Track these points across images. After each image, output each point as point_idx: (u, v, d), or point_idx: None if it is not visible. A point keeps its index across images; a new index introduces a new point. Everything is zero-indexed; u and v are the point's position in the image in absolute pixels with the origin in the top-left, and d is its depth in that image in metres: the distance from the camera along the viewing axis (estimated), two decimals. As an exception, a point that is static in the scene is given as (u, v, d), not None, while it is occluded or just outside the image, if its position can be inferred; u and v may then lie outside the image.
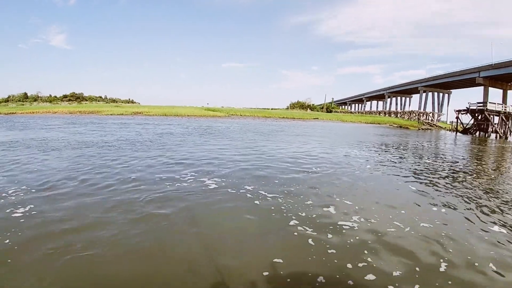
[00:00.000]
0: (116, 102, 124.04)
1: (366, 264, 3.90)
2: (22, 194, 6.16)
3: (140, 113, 52.00)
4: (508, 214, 6.31)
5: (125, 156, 10.93)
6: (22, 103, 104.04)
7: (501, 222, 5.76)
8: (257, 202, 6.14)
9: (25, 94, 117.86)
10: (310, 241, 4.50)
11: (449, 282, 3.59)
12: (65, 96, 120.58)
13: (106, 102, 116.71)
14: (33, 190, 6.41)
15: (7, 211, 5.23)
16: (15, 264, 3.64)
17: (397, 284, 3.49)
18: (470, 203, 6.95)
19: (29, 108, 62.30)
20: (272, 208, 5.80)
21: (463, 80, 65.59)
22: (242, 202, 6.13)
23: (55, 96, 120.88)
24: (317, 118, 60.89)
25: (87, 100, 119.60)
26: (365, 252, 4.22)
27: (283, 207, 5.85)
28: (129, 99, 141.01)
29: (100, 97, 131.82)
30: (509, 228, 5.42)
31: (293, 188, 7.28)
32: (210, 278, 3.50)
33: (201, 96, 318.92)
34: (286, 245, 4.36)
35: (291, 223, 5.13)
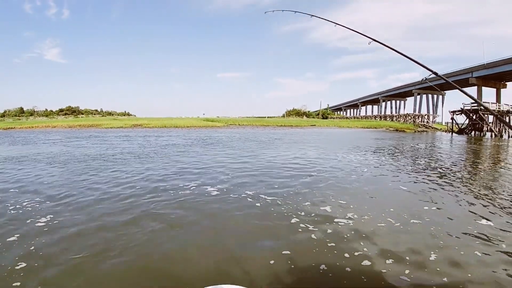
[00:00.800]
0: (112, 115, 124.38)
1: (361, 253, 4.34)
2: (38, 205, 6.59)
3: (139, 125, 52.47)
4: (502, 208, 6.77)
5: (133, 167, 11.37)
6: (18, 117, 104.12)
7: (494, 217, 6.20)
8: (259, 204, 6.61)
9: (21, 108, 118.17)
10: (312, 235, 4.94)
11: (437, 269, 4.02)
12: (61, 110, 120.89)
13: (103, 116, 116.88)
14: (50, 202, 6.81)
15: (31, 221, 5.64)
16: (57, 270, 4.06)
17: (389, 269, 3.92)
18: (462, 200, 7.39)
19: (27, 123, 62.70)
20: (273, 209, 6.26)
21: (457, 81, 66.30)
22: (246, 204, 6.60)
23: (51, 110, 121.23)
24: (314, 125, 61.45)
25: (83, 114, 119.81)
26: (361, 243, 4.65)
27: (283, 208, 6.30)
28: (125, 111, 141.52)
29: (96, 110, 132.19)
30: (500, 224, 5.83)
31: (292, 191, 7.74)
32: (228, 267, 4.00)
33: (196, 107, 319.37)
34: (291, 239, 4.81)
35: (293, 221, 5.59)
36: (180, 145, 20.68)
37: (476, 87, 60.88)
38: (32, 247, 4.56)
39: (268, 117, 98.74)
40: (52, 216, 5.90)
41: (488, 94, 64.36)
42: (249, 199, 7.02)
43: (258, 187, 8.06)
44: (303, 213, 6.00)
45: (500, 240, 4.93)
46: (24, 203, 6.71)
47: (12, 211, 6.17)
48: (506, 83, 62.32)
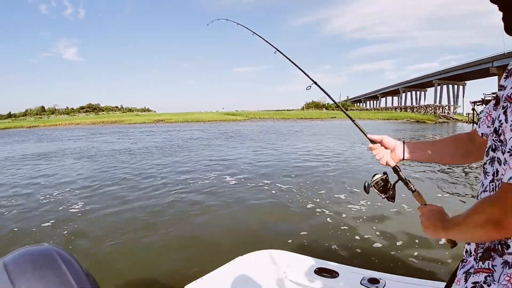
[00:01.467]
0: (133, 111, 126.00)
1: (371, 236, 4.72)
2: (75, 194, 7.34)
3: (161, 120, 53.51)
4: None
5: (163, 159, 12.14)
6: (40, 116, 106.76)
7: None
8: (281, 192, 7.20)
9: (42, 107, 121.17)
10: (328, 219, 5.43)
11: (446, 252, 4.31)
12: (82, 108, 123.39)
13: (123, 112, 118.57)
14: (87, 192, 7.55)
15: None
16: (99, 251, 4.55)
17: (399, 251, 4.29)
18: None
19: (51, 121, 64.48)
20: (291, 195, 6.83)
21: (477, 70, 65.38)
22: (269, 192, 7.17)
23: (72, 108, 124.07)
24: (334, 117, 61.67)
25: (103, 111, 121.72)
26: (373, 227, 5.06)
27: (301, 195, 6.87)
28: (145, 107, 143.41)
29: (116, 106, 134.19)
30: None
31: (314, 179, 8.34)
32: (249, 244, 4.47)
33: (214, 102, 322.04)
34: (308, 222, 5.31)
35: (308, 206, 6.13)
36: (205, 139, 21.46)
37: (496, 76, 60.04)
38: (75, 228, 5.22)
39: (287, 110, 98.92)
40: (89, 202, 6.61)
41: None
42: (271, 187, 7.55)
43: (281, 177, 8.62)
44: (318, 199, 6.53)
45: None
46: (62, 193, 7.47)
47: (51, 200, 6.90)
48: (528, 72, 61.36)
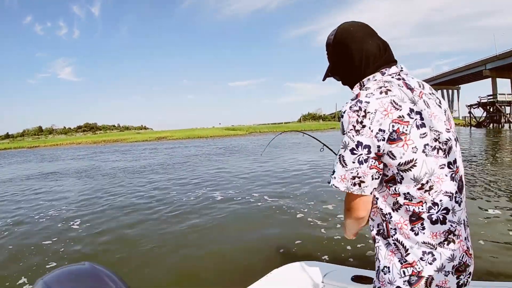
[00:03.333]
0: (129, 129, 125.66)
1: (364, 245, 4.76)
2: (73, 210, 7.52)
3: (163, 138, 53.83)
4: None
5: (172, 176, 12.38)
6: (38, 136, 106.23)
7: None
8: (276, 202, 7.44)
9: (40, 127, 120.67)
10: (320, 230, 5.51)
11: None
12: (79, 127, 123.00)
13: (120, 130, 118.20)
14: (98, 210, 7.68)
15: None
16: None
17: None
18: (477, 190, 8.02)
19: (52, 141, 64.61)
20: (286, 207, 7.01)
21: (471, 74, 66.13)
22: (264, 203, 7.43)
23: (70, 128, 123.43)
24: (333, 128, 62.28)
25: (101, 130, 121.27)
26: (365, 236, 5.02)
27: (295, 206, 7.04)
28: (142, 125, 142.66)
29: (114, 125, 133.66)
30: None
31: (304, 190, 8.58)
32: (251, 252, 4.71)
33: (211, 117, 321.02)
34: (298, 232, 5.44)
35: (298, 216, 6.36)
36: (213, 154, 21.73)
37: (490, 79, 60.66)
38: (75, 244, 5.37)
39: (284, 122, 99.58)
40: (87, 219, 6.84)
41: (504, 84, 63.98)
42: (293, 201, 7.83)
43: (295, 190, 8.92)
44: (306, 210, 6.71)
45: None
46: (60, 210, 7.78)
47: (56, 217, 7.07)
48: (521, 73, 62.08)
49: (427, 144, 1.05)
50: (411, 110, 1.06)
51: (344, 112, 1.10)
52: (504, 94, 55.36)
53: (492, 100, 54.13)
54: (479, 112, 57.86)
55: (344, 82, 1.33)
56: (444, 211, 1.07)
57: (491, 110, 54.14)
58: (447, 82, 73.05)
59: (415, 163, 1.04)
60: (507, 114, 52.87)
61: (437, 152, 1.07)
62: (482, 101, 56.27)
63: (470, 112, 58.29)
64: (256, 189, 8.94)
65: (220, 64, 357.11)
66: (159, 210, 7.22)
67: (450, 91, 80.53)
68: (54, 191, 10.52)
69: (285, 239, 5.11)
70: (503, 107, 53.12)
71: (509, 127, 50.79)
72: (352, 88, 1.26)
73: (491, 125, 53.79)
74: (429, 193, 1.06)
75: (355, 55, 1.19)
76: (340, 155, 1.09)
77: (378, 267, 1.17)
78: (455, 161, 1.11)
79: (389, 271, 1.12)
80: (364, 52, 1.18)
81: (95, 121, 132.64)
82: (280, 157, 17.12)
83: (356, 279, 2.12)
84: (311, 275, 2.27)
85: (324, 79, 1.41)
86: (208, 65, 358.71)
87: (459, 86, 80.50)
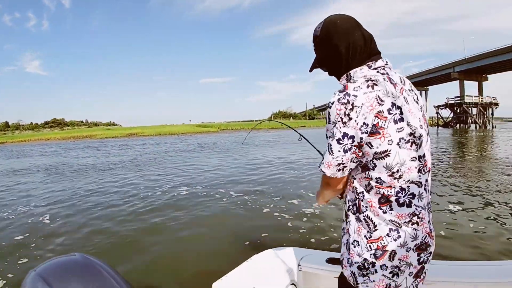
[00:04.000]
0: (98, 125, 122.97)
1: (328, 237, 4.95)
2: (49, 208, 7.37)
3: (134, 134, 52.92)
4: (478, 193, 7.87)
5: (144, 173, 12.34)
6: (4, 132, 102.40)
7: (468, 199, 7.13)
8: (243, 197, 7.56)
9: (6, 123, 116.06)
10: (287, 223, 5.68)
11: None
12: (46, 123, 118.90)
13: (89, 127, 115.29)
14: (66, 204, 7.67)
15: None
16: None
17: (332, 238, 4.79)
18: (443, 186, 8.33)
19: (20, 137, 62.66)
20: (253, 202, 7.13)
21: (439, 76, 67.79)
22: (233, 198, 7.54)
23: (37, 124, 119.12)
24: (304, 126, 62.89)
25: (69, 126, 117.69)
26: (331, 229, 5.29)
27: (262, 201, 7.17)
28: (110, 121, 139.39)
29: (82, 121, 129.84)
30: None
31: (272, 186, 8.72)
32: (222, 244, 4.84)
33: (181, 114, 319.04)
34: (266, 224, 5.62)
35: (265, 210, 6.46)
36: (184, 151, 21.68)
37: (458, 81, 62.37)
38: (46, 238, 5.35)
39: (255, 120, 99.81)
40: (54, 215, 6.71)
41: (471, 86, 66.09)
42: (263, 195, 7.92)
43: (268, 184, 9.06)
44: (272, 205, 6.83)
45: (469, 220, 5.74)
46: (30, 206, 7.62)
47: (22, 215, 6.94)
48: (487, 76, 64.02)
49: (402, 138, 1.13)
50: (393, 104, 1.13)
51: (332, 103, 1.15)
52: (471, 96, 57.23)
53: (459, 101, 55.89)
54: (446, 113, 59.78)
55: (330, 73, 1.38)
56: (411, 196, 1.17)
57: (458, 111, 55.90)
58: (416, 83, 74.55)
59: (388, 153, 1.13)
60: (473, 115, 54.76)
61: (410, 145, 1.16)
62: (449, 102, 58.03)
63: (437, 113, 60.03)
64: (228, 185, 8.99)
65: (192, 61, 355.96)
66: (131, 206, 7.18)
67: (418, 91, 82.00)
68: (23, 189, 10.20)
69: (255, 231, 5.23)
70: (469, 108, 54.99)
71: (475, 127, 52.62)
72: (338, 79, 1.31)
73: (458, 125, 55.57)
74: (397, 180, 1.16)
75: (342, 46, 1.24)
76: (328, 144, 1.18)
77: (348, 240, 1.27)
78: (424, 155, 1.19)
79: (358, 245, 1.22)
80: (351, 44, 1.23)
81: (63, 117, 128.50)
82: (251, 154, 17.34)
83: (330, 260, 2.25)
84: (288, 259, 2.40)
85: (311, 70, 1.47)
86: (180, 61, 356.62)
87: (427, 87, 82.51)
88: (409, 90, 1.24)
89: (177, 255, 4.55)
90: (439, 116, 60.56)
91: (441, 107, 59.64)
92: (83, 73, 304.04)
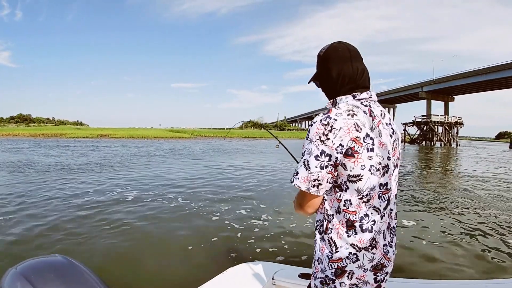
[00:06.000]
0: (65, 124, 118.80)
1: (276, 249, 5.02)
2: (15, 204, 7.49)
3: (106, 135, 51.68)
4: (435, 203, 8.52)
5: (118, 176, 12.46)
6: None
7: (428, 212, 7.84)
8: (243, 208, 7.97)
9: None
10: (263, 235, 5.69)
11: None
12: (12, 118, 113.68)
13: (55, 124, 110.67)
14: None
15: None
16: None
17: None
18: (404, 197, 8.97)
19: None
20: (220, 210, 7.42)
21: (408, 94, 69.90)
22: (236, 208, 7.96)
23: (2, 118, 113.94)
24: (277, 136, 63.39)
25: (35, 122, 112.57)
26: (281, 238, 5.49)
27: (240, 212, 7.22)
28: (78, 120, 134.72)
29: (48, 119, 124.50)
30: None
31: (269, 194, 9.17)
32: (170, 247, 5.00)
33: (151, 117, 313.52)
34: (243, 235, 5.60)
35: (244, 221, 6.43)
36: (160, 156, 21.66)
37: (426, 100, 64.34)
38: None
39: (226, 128, 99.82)
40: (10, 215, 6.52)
41: (437, 106, 68.53)
42: (237, 204, 8.38)
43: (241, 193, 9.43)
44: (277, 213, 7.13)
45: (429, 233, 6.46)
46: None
47: None
48: (454, 96, 66.39)
49: (373, 165, 1.24)
50: (367, 135, 1.23)
51: (314, 123, 1.25)
52: (438, 115, 59.59)
53: (426, 119, 58.12)
54: (413, 130, 61.96)
55: (322, 90, 1.49)
56: (372, 223, 1.27)
57: (425, 128, 58.10)
58: (384, 101, 76.52)
59: (361, 177, 1.23)
60: (439, 133, 56.91)
61: (379, 174, 1.26)
62: (417, 120, 60.27)
63: (405, 130, 62.19)
64: (208, 195, 8.86)
65: (164, 64, 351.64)
66: (102, 211, 7.01)
67: (386, 109, 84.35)
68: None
69: (229, 244, 5.23)
70: (436, 126, 57.22)
71: (440, 145, 54.71)
72: (328, 97, 1.45)
73: (424, 142, 57.64)
74: (365, 204, 1.26)
75: (333, 72, 1.36)
76: (305, 159, 1.25)
77: (314, 257, 1.37)
78: (386, 184, 1.30)
79: (322, 262, 1.32)
80: (341, 72, 1.35)
81: (29, 113, 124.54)
82: (226, 162, 17.60)
83: (302, 275, 2.33)
84: (262, 273, 2.49)
85: (309, 82, 1.55)
86: (152, 63, 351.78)
87: (396, 105, 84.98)
88: (386, 124, 1.34)
89: (149, 265, 4.41)
90: (406, 133, 62.64)
91: (409, 125, 61.80)
92: (53, 68, 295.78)
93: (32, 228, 5.76)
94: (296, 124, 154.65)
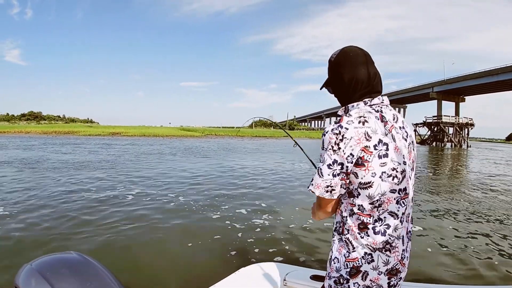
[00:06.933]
0: (75, 121, 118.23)
1: (275, 249, 5.03)
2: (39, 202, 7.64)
3: (117, 133, 52.28)
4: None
5: (140, 172, 12.69)
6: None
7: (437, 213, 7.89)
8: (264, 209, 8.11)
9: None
10: (276, 236, 5.68)
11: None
12: (23, 115, 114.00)
13: (66, 122, 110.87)
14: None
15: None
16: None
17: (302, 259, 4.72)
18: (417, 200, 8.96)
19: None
20: (213, 207, 7.38)
21: (418, 95, 69.45)
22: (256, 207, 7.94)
23: (13, 115, 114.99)
24: (286, 136, 63.44)
25: (45, 120, 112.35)
26: (294, 238, 5.50)
27: (253, 213, 7.14)
28: (88, 118, 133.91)
29: (59, 116, 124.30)
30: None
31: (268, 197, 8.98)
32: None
33: (160, 116, 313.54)
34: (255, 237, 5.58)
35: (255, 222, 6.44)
36: (176, 154, 21.82)
37: (436, 101, 63.94)
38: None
39: (236, 127, 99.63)
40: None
41: (448, 106, 68.02)
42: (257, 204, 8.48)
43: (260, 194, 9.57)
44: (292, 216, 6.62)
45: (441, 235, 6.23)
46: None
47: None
48: (464, 97, 65.85)
49: (385, 172, 1.26)
50: (380, 141, 1.26)
51: (326, 132, 1.29)
52: (449, 116, 59.20)
53: (436, 120, 57.80)
54: (423, 131, 61.64)
55: (335, 95, 1.51)
56: (386, 226, 1.30)
57: (435, 129, 57.81)
58: (395, 101, 76.14)
59: (371, 184, 1.26)
60: (449, 134, 56.58)
61: (392, 179, 1.28)
62: (427, 120, 59.98)
63: (415, 130, 61.79)
64: (221, 197, 8.69)
65: (173, 63, 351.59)
66: (113, 209, 7.05)
67: (397, 109, 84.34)
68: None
69: (242, 243, 5.27)
70: (446, 127, 56.87)
71: (451, 146, 54.42)
72: (340, 103, 1.48)
73: (434, 143, 57.35)
74: (377, 209, 1.29)
75: (346, 77, 1.38)
76: (319, 168, 1.30)
77: (330, 256, 1.42)
78: (405, 189, 1.32)
79: (338, 262, 1.36)
80: (354, 78, 1.36)
81: (40, 110, 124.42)
82: (243, 161, 17.84)
83: (314, 277, 2.37)
84: (274, 274, 2.53)
85: (321, 88, 1.58)
86: (161, 62, 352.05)
87: (406, 105, 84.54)
88: (400, 128, 1.36)
89: (162, 263, 4.47)
90: (416, 133, 62.31)
91: (419, 125, 61.53)
92: (63, 66, 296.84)
93: (48, 225, 5.87)
94: (306, 124, 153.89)
